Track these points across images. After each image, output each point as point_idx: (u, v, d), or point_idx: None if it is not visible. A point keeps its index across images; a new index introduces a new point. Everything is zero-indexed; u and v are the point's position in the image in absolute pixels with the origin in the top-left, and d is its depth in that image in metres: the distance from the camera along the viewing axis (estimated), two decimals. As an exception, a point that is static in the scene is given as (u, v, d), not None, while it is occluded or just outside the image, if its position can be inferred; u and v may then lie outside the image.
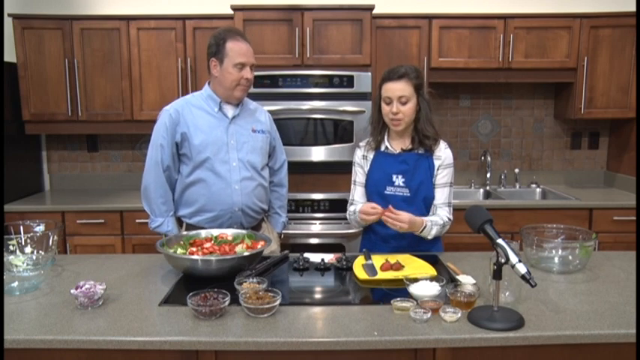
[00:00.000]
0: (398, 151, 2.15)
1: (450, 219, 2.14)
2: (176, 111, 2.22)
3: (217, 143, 2.21)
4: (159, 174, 2.22)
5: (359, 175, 2.23)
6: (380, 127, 2.17)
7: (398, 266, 1.91)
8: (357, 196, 2.24)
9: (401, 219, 1.96)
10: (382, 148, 2.18)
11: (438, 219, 2.10)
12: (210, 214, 2.24)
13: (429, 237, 2.08)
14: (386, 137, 2.18)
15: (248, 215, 2.28)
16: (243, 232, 2.10)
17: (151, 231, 2.31)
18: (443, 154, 2.15)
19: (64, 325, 1.49)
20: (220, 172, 2.21)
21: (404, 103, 2.05)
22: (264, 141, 2.33)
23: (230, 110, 2.27)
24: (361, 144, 2.26)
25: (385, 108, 2.09)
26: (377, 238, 2.21)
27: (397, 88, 2.04)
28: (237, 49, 2.16)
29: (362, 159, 2.22)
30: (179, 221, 2.33)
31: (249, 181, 2.25)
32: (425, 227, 2.04)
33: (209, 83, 2.28)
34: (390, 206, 1.99)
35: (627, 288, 1.77)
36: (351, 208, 2.24)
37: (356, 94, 3.25)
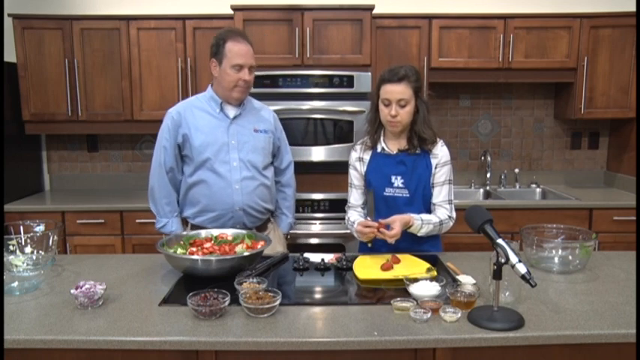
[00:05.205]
0: (395, 152, 2.15)
1: (450, 217, 2.13)
2: (178, 113, 2.24)
3: (217, 143, 2.22)
4: (162, 175, 2.26)
5: (353, 178, 2.23)
6: (376, 126, 2.17)
7: (395, 260, 1.93)
8: (353, 199, 2.24)
9: (394, 233, 1.96)
10: (379, 149, 2.17)
11: (432, 217, 2.10)
12: (212, 214, 2.25)
13: (419, 234, 2.07)
14: (382, 137, 2.17)
15: (250, 215, 2.28)
16: (243, 232, 2.10)
17: (156, 231, 2.33)
18: (440, 152, 2.14)
19: (64, 325, 1.49)
20: (221, 172, 2.21)
21: (403, 106, 2.04)
22: (267, 141, 2.33)
23: (231, 110, 2.27)
24: (356, 146, 2.25)
25: (384, 110, 2.08)
26: (376, 238, 2.20)
27: (397, 91, 2.02)
28: (235, 51, 2.15)
29: (357, 161, 2.21)
30: (185, 221, 2.34)
31: (250, 180, 2.25)
32: (412, 225, 2.03)
33: (212, 84, 2.30)
34: (380, 220, 1.99)
35: (627, 288, 1.77)
36: (348, 214, 2.25)
37: (356, 94, 3.25)
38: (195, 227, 2.28)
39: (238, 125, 2.27)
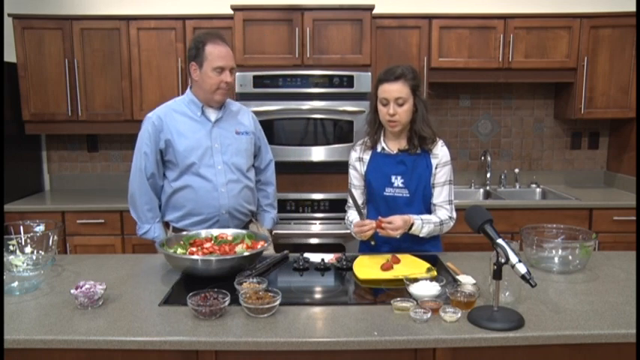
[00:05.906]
0: (395, 152, 2.15)
1: (451, 217, 2.13)
2: (159, 118, 2.22)
3: (201, 147, 2.21)
4: (143, 181, 2.23)
5: (353, 178, 2.23)
6: (376, 126, 2.17)
7: (395, 260, 1.93)
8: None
9: (396, 226, 1.96)
10: (379, 149, 2.17)
11: (432, 217, 2.10)
12: (197, 217, 2.24)
13: (421, 235, 2.07)
14: (382, 137, 2.17)
15: (235, 218, 2.28)
16: (244, 232, 2.10)
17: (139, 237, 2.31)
18: (440, 152, 2.14)
19: (64, 325, 1.49)
20: (206, 176, 2.21)
21: (401, 105, 2.04)
22: (249, 142, 2.33)
23: (213, 114, 2.26)
24: (356, 146, 2.25)
25: (382, 109, 2.08)
26: (377, 238, 2.20)
27: (394, 90, 2.03)
28: (216, 53, 2.14)
29: (357, 161, 2.21)
30: (167, 225, 2.32)
31: (235, 183, 2.25)
32: (413, 224, 2.03)
33: (191, 87, 2.28)
34: (380, 217, 2.00)
35: (627, 288, 1.77)
36: (348, 214, 2.25)
37: (356, 94, 3.25)
38: (177, 230, 2.26)
39: (220, 128, 2.26)
